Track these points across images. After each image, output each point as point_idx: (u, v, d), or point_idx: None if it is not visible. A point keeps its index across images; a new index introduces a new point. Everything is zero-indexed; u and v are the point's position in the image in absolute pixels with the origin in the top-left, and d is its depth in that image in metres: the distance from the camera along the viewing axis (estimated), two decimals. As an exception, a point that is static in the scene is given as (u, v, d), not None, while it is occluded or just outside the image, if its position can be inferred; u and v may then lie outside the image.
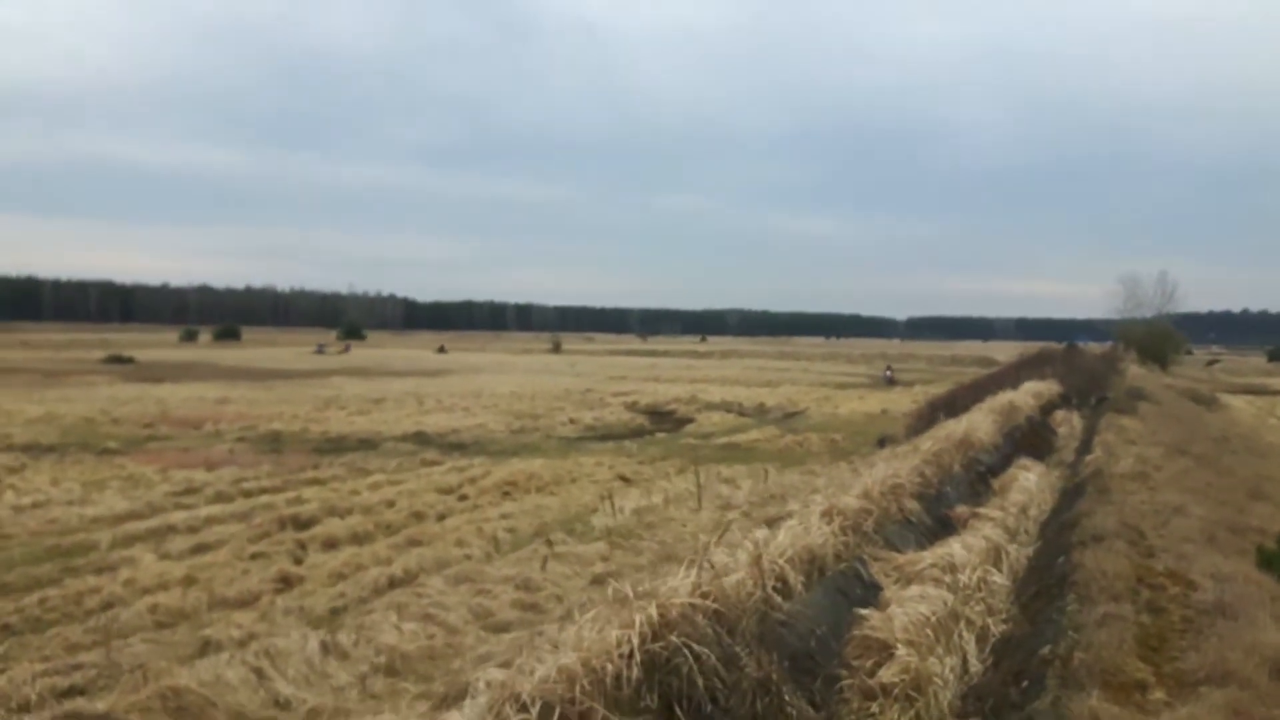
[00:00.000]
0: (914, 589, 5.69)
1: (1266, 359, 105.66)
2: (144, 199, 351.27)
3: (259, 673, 8.23)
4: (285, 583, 11.68)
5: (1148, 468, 11.27)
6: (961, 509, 8.71)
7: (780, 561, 5.12)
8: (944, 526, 8.19)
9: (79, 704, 7.59)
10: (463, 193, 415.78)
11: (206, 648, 9.15)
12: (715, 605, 4.13)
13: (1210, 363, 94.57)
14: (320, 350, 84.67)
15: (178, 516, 15.21)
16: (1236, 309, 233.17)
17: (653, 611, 3.82)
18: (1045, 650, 4.61)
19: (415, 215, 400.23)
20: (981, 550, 6.83)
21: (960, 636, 5.06)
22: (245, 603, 10.92)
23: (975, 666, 4.99)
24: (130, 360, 61.69)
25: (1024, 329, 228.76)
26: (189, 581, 11.50)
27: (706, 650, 3.74)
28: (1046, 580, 6.23)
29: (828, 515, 6.35)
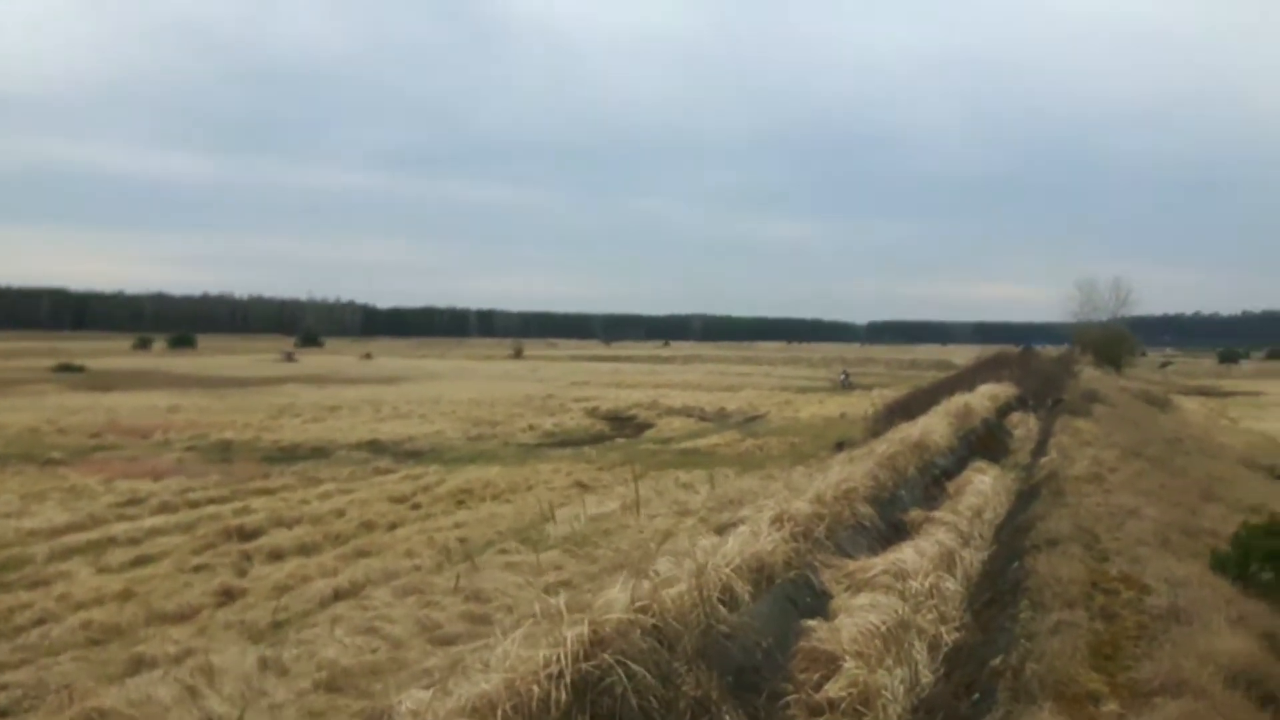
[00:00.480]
0: (864, 597, 5.53)
1: (1217, 360, 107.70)
2: (99, 205, 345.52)
3: (192, 691, 7.90)
4: (227, 596, 11.33)
5: (1102, 470, 11.24)
6: (915, 513, 8.59)
7: (726, 571, 4.94)
8: (898, 531, 8.06)
9: (0, 728, 7.26)
10: (426, 198, 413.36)
11: (140, 665, 8.81)
12: (653, 620, 3.93)
13: (1163, 365, 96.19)
14: (289, 358, 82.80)
15: (119, 528, 14.77)
16: (1189, 312, 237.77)
17: (584, 629, 3.61)
18: (997, 660, 4.46)
19: (377, 221, 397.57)
20: (934, 555, 6.70)
21: (911, 646, 4.90)
22: (184, 617, 10.56)
23: (926, 678, 4.83)
24: (81, 369, 60.34)
25: (982, 333, 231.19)
26: (126, 596, 11.11)
27: (642, 669, 3.54)
28: (1000, 586, 6.10)
29: (778, 521, 6.18)
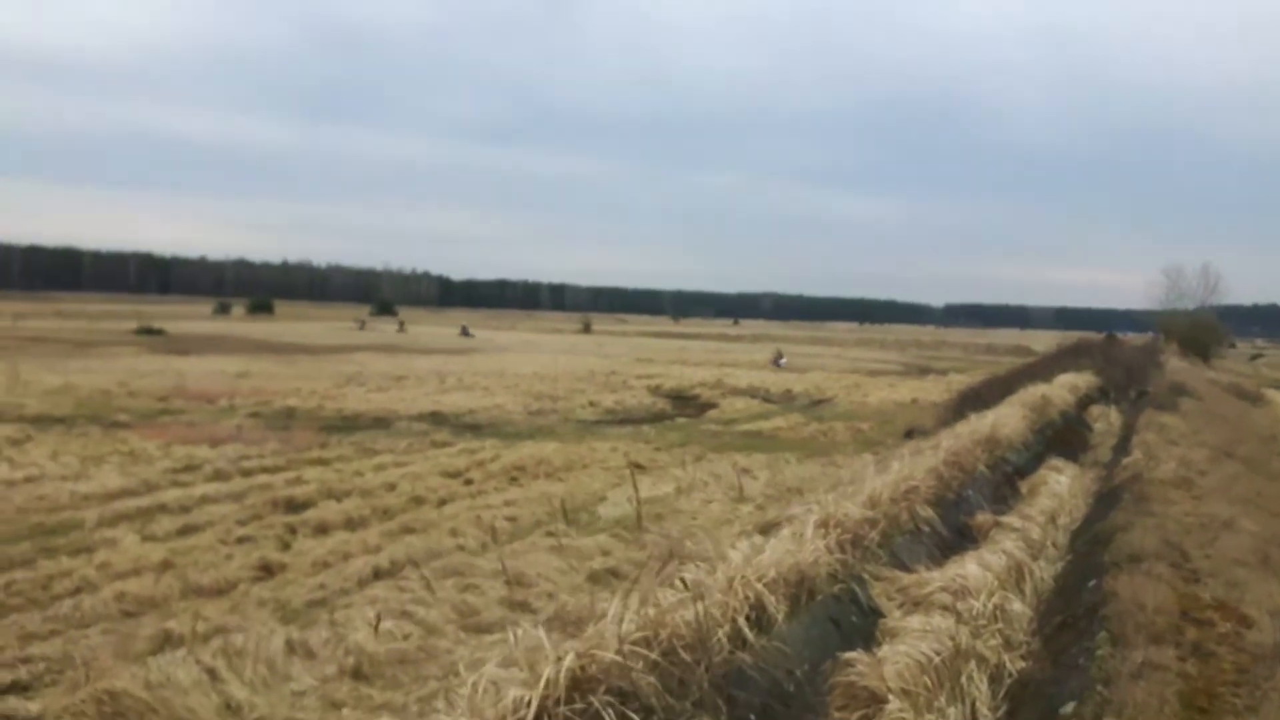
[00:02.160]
0: (918, 618, 4.93)
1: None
2: (186, 171, 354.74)
3: (213, 674, 7.63)
4: (266, 571, 11.10)
5: (1191, 472, 10.38)
6: (982, 517, 7.92)
7: (758, 585, 4.40)
8: (962, 537, 7.41)
9: (12, 705, 7.05)
10: (503, 169, 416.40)
11: (166, 642, 8.56)
12: (661, 650, 3.41)
13: (1254, 357, 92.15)
14: (401, 328, 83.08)
15: (171, 495, 14.73)
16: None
17: (569, 663, 3.11)
18: (1069, 709, 3.86)
19: (454, 192, 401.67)
20: (1001, 569, 6.05)
21: (969, 680, 4.31)
22: (219, 591, 10.34)
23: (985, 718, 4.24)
24: (160, 332, 61.83)
25: (1063, 318, 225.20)
26: (165, 567, 10.95)
27: (636, 715, 3.03)
28: (1074, 608, 5.45)
29: (824, 526, 5.60)
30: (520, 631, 3.83)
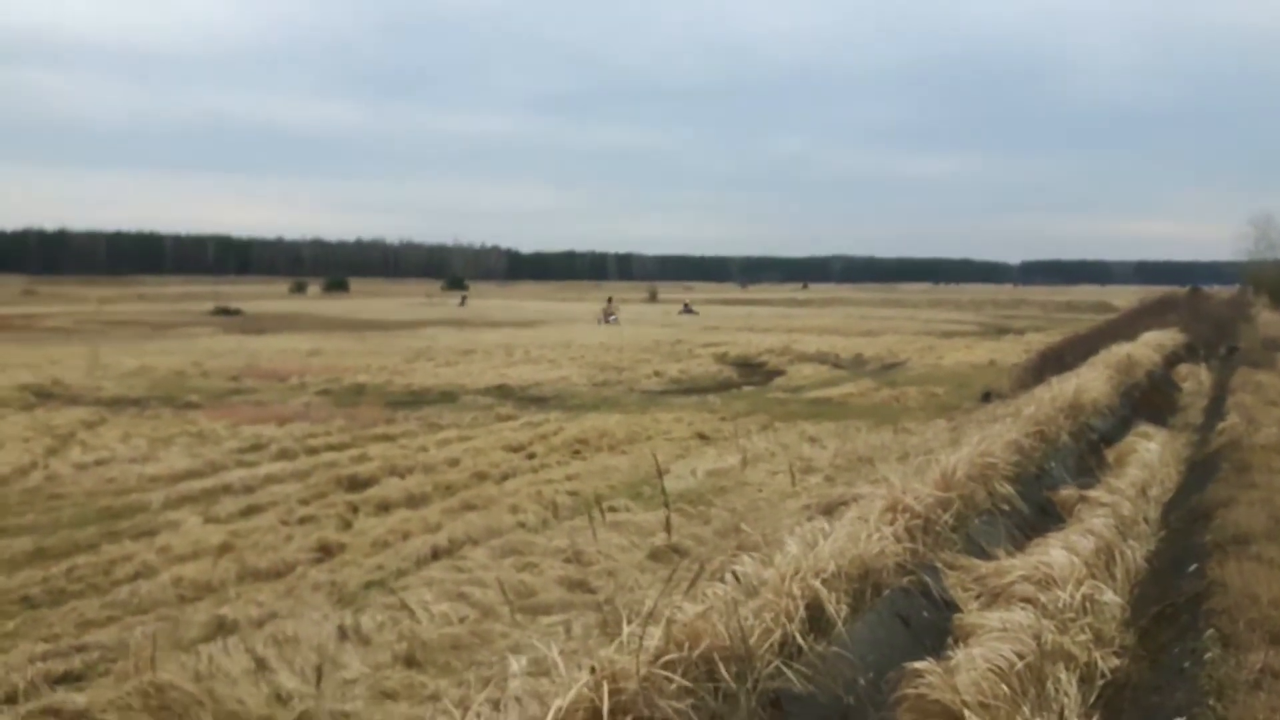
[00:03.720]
0: (997, 614, 4.45)
1: None
2: (261, 153, 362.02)
3: (262, 663, 7.46)
4: (325, 552, 10.97)
5: (1296, 437, 9.61)
6: (1067, 491, 7.35)
7: (815, 582, 3.97)
8: (1045, 515, 6.86)
9: (62, 697, 6.96)
10: (568, 142, 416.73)
11: (219, 629, 8.45)
12: (692, 671, 3.00)
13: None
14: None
15: (236, 475, 14.76)
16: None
17: (579, 691, 2.72)
18: (1174, 726, 3.38)
19: (520, 166, 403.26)
20: (1089, 552, 5.51)
21: (1056, 686, 3.84)
22: (277, 574, 10.22)
23: (1075, 730, 3.77)
24: (237, 312, 63.18)
25: (1144, 273, 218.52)
26: (224, 550, 10.88)
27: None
28: (1173, 597, 4.92)
29: (891, 510, 5.13)
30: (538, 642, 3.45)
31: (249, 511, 12.74)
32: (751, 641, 3.30)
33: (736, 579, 4.39)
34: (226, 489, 13.96)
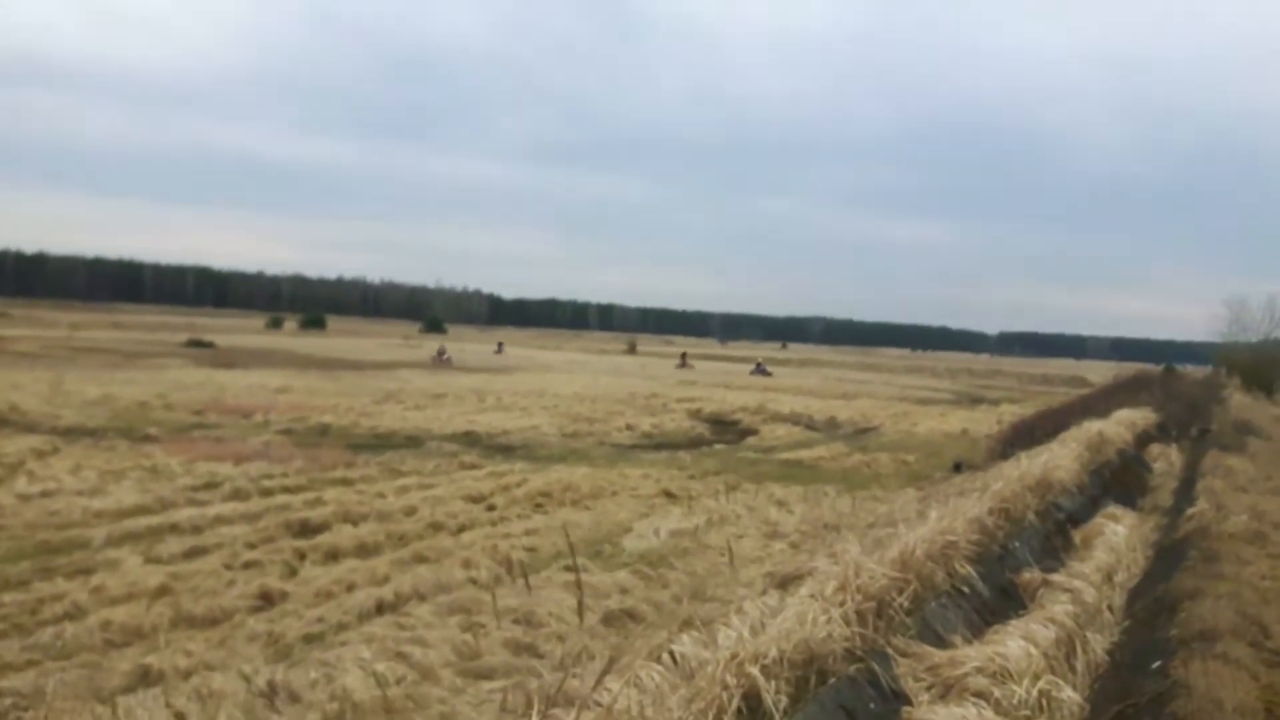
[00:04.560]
0: (947, 710, 4.19)
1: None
2: (245, 187, 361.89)
3: (181, 718, 7.07)
4: (265, 600, 10.57)
5: (1265, 525, 9.42)
6: (1030, 574, 7.10)
7: (753, 670, 3.70)
8: (1006, 598, 6.59)
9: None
10: (556, 191, 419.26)
11: (143, 679, 8.04)
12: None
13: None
14: (500, 349, 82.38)
15: (185, 514, 14.32)
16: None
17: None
18: None
19: (507, 211, 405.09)
20: (1049, 642, 5.26)
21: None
22: (212, 622, 9.82)
23: None
24: (209, 344, 62.50)
25: (1119, 348, 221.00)
26: (161, 593, 10.46)
27: None
28: (1134, 697, 4.66)
29: (843, 590, 4.87)
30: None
31: (193, 553, 12.31)
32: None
33: (674, 660, 4.10)
34: (173, 528, 13.52)
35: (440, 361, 60.46)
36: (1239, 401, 44.54)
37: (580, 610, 8.29)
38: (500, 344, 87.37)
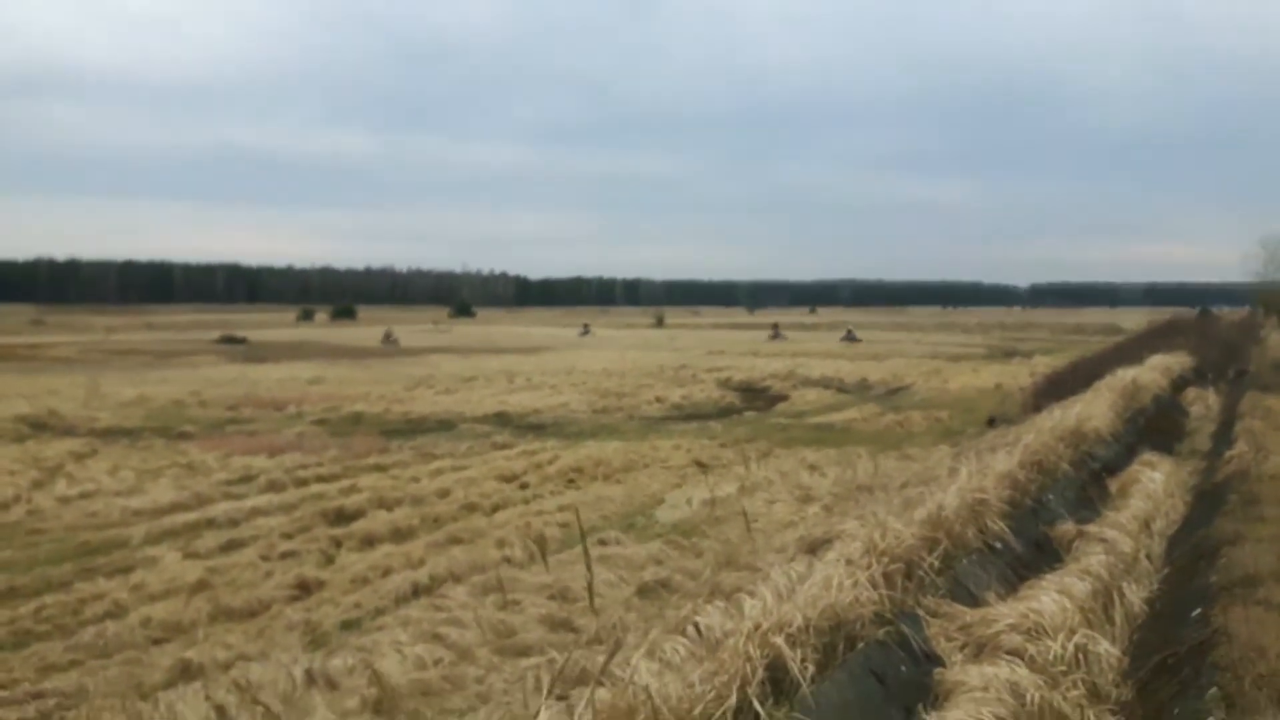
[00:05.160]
0: (981, 669, 4.11)
1: None
2: (272, 184, 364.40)
3: (221, 711, 7.12)
4: (303, 589, 10.65)
5: (1307, 465, 9.22)
6: (1065, 526, 6.97)
7: (778, 640, 3.63)
8: (1041, 552, 6.48)
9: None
10: (579, 169, 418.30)
11: (184, 673, 8.12)
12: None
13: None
14: (586, 330, 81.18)
15: (221, 508, 14.46)
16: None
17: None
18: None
19: (530, 193, 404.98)
20: (1084, 595, 5.15)
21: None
22: (251, 613, 9.91)
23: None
24: (243, 340, 63.06)
25: (1153, 295, 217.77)
26: (200, 587, 10.57)
27: None
28: (1174, 647, 4.55)
29: (871, 553, 4.79)
30: None
31: (230, 547, 12.43)
32: (696, 712, 2.97)
33: (699, 632, 4.04)
34: (210, 523, 13.66)
35: (389, 344, 60.41)
36: (1277, 341, 43.76)
37: (590, 592, 8.22)
38: (586, 325, 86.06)
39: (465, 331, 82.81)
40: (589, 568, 9.03)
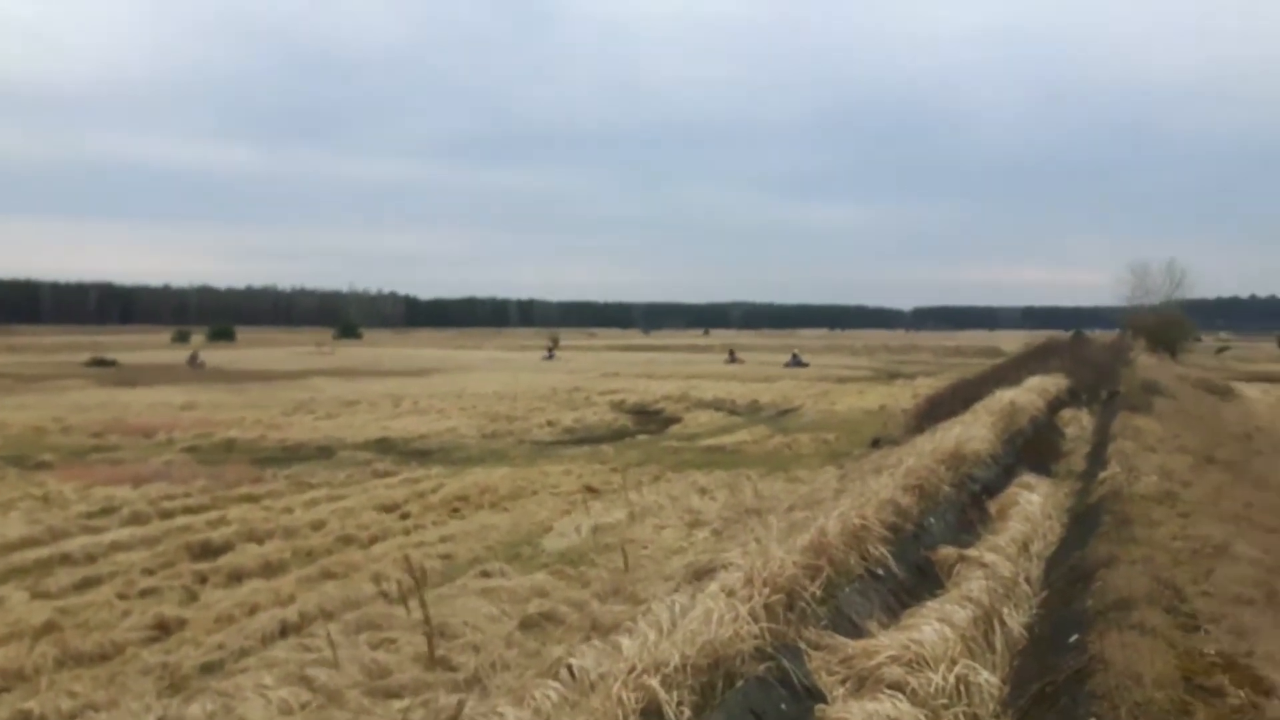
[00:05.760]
0: (864, 705, 3.96)
1: (1277, 345, 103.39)
2: (147, 198, 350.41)
3: (58, 770, 6.54)
4: (162, 629, 9.99)
5: (1174, 484, 9.51)
6: (946, 550, 6.97)
7: (652, 682, 3.42)
8: (923, 577, 6.44)
9: None
10: (471, 187, 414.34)
11: (21, 728, 7.46)
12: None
13: (1220, 350, 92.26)
14: (550, 354, 76.84)
15: (78, 543, 13.54)
16: (1244, 295, 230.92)
17: None
18: None
19: (421, 211, 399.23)
20: (965, 622, 5.10)
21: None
22: (103, 657, 9.22)
23: None
24: (113, 363, 60.12)
25: (1030, 317, 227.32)
26: (47, 629, 9.80)
27: None
28: (1053, 675, 4.51)
29: (751, 583, 4.62)
30: None
31: (84, 585, 11.62)
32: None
33: (572, 675, 3.79)
34: (64, 559, 12.77)
35: (195, 366, 58.78)
36: (1145, 363, 45.99)
37: (430, 649, 7.88)
38: (550, 348, 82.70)
39: (351, 353, 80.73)
40: (428, 621, 8.66)
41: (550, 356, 73.91)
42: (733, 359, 69.15)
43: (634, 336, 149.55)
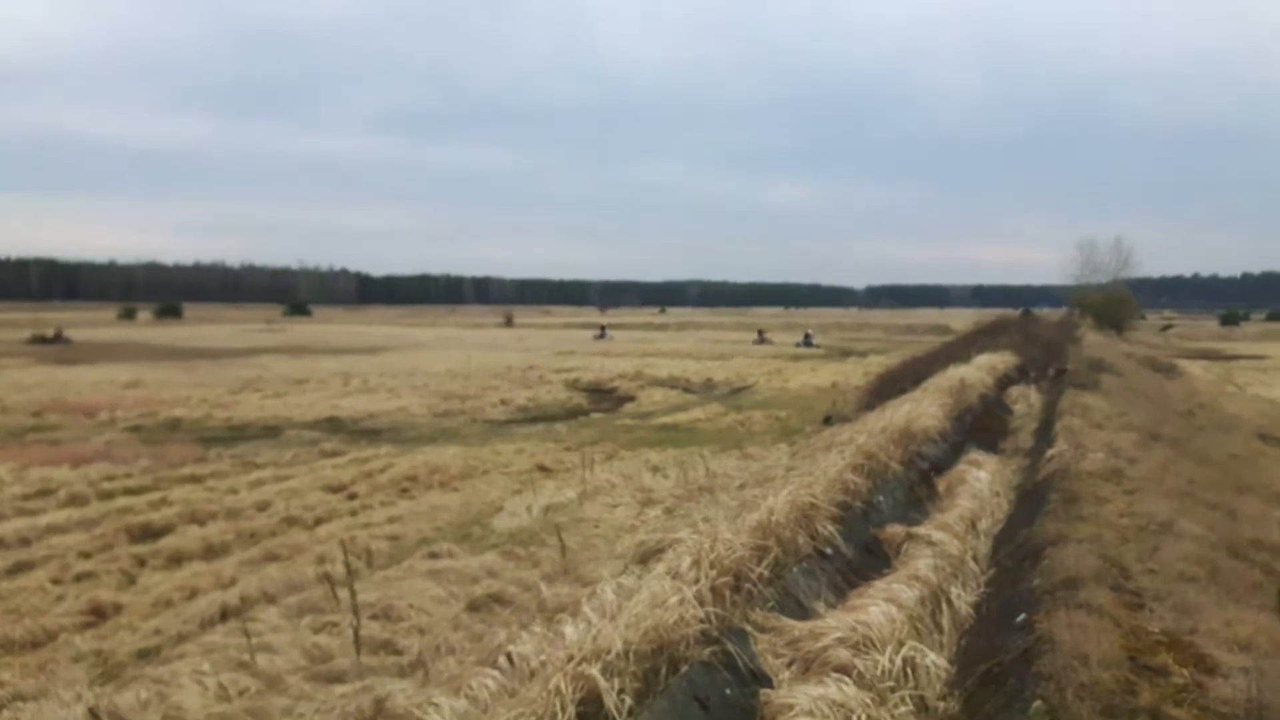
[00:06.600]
0: (810, 690, 3.89)
1: (1219, 323, 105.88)
2: (93, 173, 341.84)
3: (-18, 763, 6.29)
4: (97, 615, 9.71)
5: (1120, 461, 9.58)
6: (894, 528, 6.94)
7: (592, 670, 3.30)
8: (871, 555, 6.40)
9: None
10: (424, 163, 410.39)
11: (-56, 719, 7.19)
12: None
13: (1165, 328, 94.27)
14: (602, 334, 73.43)
15: (12, 526, 13.11)
16: (1188, 273, 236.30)
17: None
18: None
19: (373, 187, 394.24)
20: (913, 602, 5.05)
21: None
22: (35, 644, 8.94)
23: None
24: (54, 340, 58.61)
25: (980, 296, 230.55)
26: (-23, 616, 9.48)
27: None
28: (1000, 656, 4.47)
29: (698, 565, 4.52)
30: None
31: (17, 569, 11.26)
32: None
33: (511, 663, 3.67)
34: (-3, 543, 12.36)
35: (60, 342, 56.24)
36: (1092, 340, 46.73)
37: (357, 643, 7.71)
38: (603, 326, 79.42)
39: (301, 331, 79.54)
40: (356, 611, 8.49)
41: (603, 335, 71.72)
42: (761, 339, 67.41)
43: (589, 314, 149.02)
